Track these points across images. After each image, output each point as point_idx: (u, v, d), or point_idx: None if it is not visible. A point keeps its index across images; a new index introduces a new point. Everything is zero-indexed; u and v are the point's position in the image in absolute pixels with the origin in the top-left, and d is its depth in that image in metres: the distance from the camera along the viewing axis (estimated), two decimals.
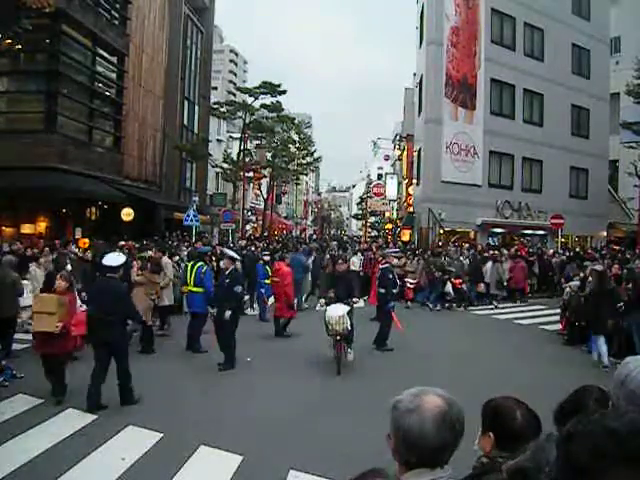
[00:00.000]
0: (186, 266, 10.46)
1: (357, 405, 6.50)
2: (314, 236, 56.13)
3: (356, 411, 6.27)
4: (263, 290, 12.70)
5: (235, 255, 9.18)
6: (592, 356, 9.15)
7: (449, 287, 14.90)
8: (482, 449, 1.92)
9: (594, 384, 2.09)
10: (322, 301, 8.74)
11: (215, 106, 33.09)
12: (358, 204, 68.00)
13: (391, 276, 10.20)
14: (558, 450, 1.18)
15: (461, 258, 16.75)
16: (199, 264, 9.85)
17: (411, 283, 15.47)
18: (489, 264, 15.97)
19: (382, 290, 10.16)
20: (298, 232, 62.08)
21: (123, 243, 14.22)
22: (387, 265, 10.47)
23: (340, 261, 9.38)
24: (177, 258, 12.53)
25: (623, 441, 1.06)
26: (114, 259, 6.83)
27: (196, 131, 31.68)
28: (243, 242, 20.99)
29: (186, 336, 9.43)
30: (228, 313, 8.22)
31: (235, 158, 31.26)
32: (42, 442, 5.12)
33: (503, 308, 15.43)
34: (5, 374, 7.15)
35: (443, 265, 15.33)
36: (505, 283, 15.94)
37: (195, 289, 9.59)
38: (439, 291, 15.03)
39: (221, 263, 9.23)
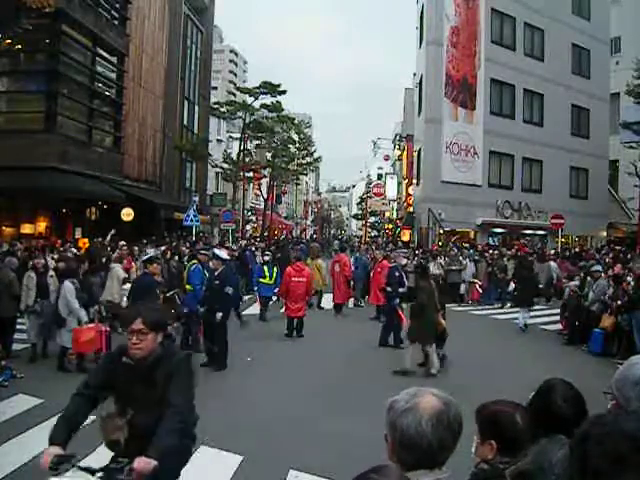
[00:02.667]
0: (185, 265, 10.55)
1: (357, 405, 6.50)
2: (314, 236, 56.21)
3: (356, 411, 6.26)
4: (255, 288, 12.71)
5: (225, 256, 9.09)
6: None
7: (512, 287, 15.16)
8: (482, 457, 1.90)
9: (558, 377, 2.07)
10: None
11: (215, 106, 33.09)
12: (358, 204, 68.02)
13: (397, 274, 10.33)
14: (573, 451, 1.17)
15: (461, 258, 16.75)
16: (192, 262, 9.90)
17: (480, 285, 16.13)
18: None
19: (388, 288, 10.37)
20: (298, 232, 62.11)
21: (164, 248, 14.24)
22: (395, 264, 10.62)
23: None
24: (177, 258, 12.53)
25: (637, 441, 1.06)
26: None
27: (196, 131, 31.66)
28: (243, 242, 21.01)
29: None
30: (219, 315, 8.07)
31: (235, 158, 31.24)
32: (42, 442, 5.08)
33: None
34: (5, 374, 7.15)
35: (506, 267, 15.90)
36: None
37: (188, 287, 9.64)
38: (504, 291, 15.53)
39: (210, 263, 9.04)
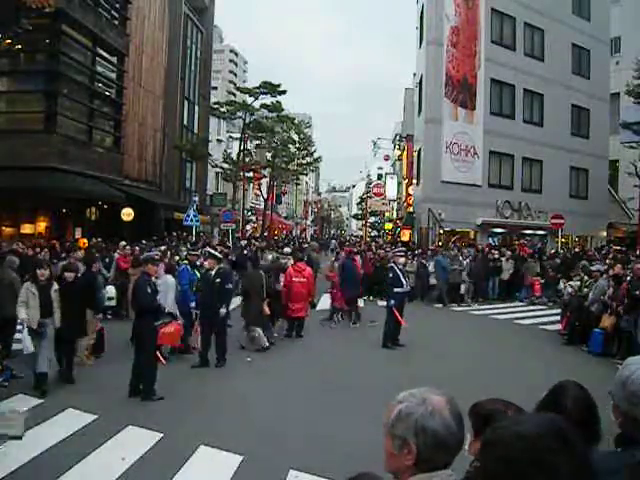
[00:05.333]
0: None
1: (358, 405, 6.50)
2: (314, 235, 56.27)
3: (357, 411, 6.26)
4: None
5: (218, 254, 9.20)
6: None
7: (562, 285, 15.43)
8: (475, 454, 1.91)
9: (571, 380, 2.08)
10: None
11: (215, 106, 33.10)
12: (358, 204, 67.98)
13: (392, 275, 10.18)
14: (479, 460, 1.18)
15: (460, 258, 16.74)
16: (182, 263, 9.98)
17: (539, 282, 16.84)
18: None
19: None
20: (298, 232, 62.12)
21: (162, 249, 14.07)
22: (391, 265, 10.51)
23: None
24: (177, 258, 12.52)
25: (531, 444, 1.07)
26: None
27: (196, 131, 31.68)
28: (244, 242, 21.01)
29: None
30: (223, 311, 8.23)
31: (235, 158, 31.24)
32: (42, 442, 5.12)
33: (504, 308, 15.48)
34: (5, 374, 7.15)
35: (559, 266, 16.54)
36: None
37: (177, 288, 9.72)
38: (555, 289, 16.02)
39: (205, 263, 9.08)
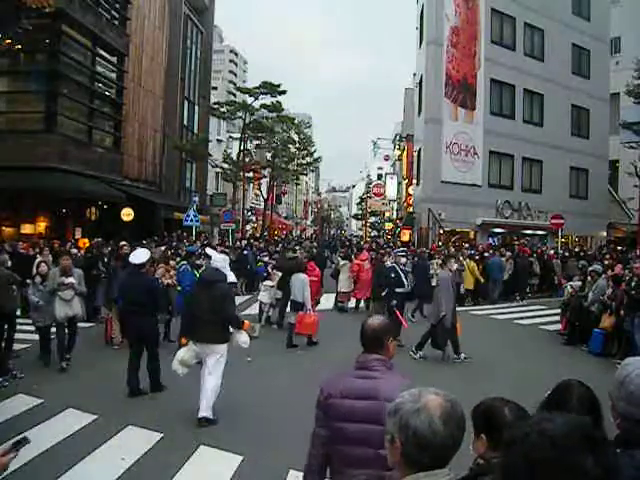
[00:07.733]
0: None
1: None
2: (314, 236, 56.27)
3: None
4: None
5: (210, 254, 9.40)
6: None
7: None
8: (477, 452, 1.91)
9: (575, 379, 2.08)
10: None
11: (215, 106, 33.09)
12: (358, 204, 68.02)
13: (393, 275, 10.18)
14: (501, 458, 1.18)
15: (461, 258, 16.71)
16: (181, 263, 9.98)
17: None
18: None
19: (386, 289, 10.21)
20: (298, 232, 62.12)
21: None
22: (393, 265, 10.50)
23: None
24: (178, 259, 12.51)
25: (557, 444, 1.07)
26: (140, 256, 7.12)
27: (196, 131, 31.66)
28: (243, 242, 21.01)
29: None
30: None
31: (235, 158, 31.25)
32: (42, 442, 5.12)
33: (504, 308, 15.46)
34: (5, 374, 7.15)
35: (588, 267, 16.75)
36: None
37: (179, 288, 9.77)
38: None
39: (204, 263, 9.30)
